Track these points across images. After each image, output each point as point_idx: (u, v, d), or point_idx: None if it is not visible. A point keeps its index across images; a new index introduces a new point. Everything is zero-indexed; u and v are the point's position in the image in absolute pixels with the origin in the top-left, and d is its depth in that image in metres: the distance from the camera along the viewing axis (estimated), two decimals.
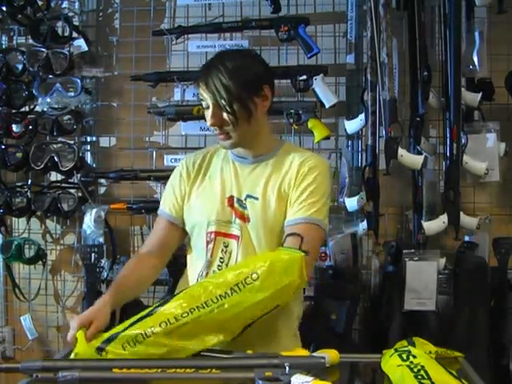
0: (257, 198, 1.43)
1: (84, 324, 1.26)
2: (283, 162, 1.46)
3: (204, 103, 1.41)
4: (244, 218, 1.43)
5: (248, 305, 1.23)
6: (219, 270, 1.42)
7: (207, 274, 1.43)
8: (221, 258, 1.43)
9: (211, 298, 1.22)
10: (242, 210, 1.44)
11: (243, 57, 1.46)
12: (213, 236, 1.44)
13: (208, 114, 1.40)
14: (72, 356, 1.20)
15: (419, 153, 2.02)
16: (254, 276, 1.23)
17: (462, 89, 2.00)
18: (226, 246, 1.44)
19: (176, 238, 1.53)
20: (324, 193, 1.43)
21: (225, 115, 1.38)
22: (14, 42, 2.41)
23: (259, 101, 1.41)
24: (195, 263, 1.49)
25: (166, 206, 1.53)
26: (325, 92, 2.08)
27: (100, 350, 1.19)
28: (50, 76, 2.27)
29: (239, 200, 1.45)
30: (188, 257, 1.55)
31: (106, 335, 1.22)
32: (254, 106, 1.40)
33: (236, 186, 1.46)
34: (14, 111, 2.33)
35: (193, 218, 1.49)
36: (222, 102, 1.36)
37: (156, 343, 1.20)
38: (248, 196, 1.44)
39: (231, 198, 1.45)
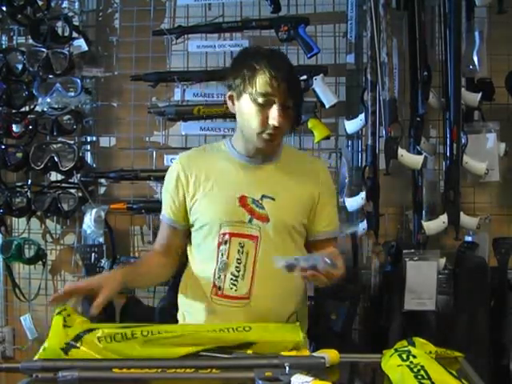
0: (273, 199, 1.44)
1: (94, 286, 1.25)
2: (291, 165, 1.50)
3: (264, 99, 1.35)
4: (263, 218, 1.43)
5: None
6: (237, 271, 1.42)
7: (225, 276, 1.42)
8: (238, 259, 1.42)
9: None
10: (259, 210, 1.43)
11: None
12: (227, 237, 1.43)
13: (273, 111, 1.35)
14: (40, 350, 1.20)
15: (419, 153, 2.02)
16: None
17: (462, 89, 2.00)
18: (243, 247, 1.43)
19: (180, 240, 1.53)
20: (336, 198, 1.60)
21: (289, 115, 1.38)
22: (14, 42, 2.41)
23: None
24: (205, 265, 1.47)
25: (166, 210, 1.52)
26: (325, 92, 2.08)
27: (71, 345, 1.19)
28: (50, 76, 2.27)
29: (255, 200, 1.43)
30: (191, 257, 1.53)
31: (85, 327, 1.22)
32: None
33: (247, 186, 1.45)
34: (14, 111, 2.33)
35: (201, 219, 1.47)
36: (295, 101, 1.37)
37: (132, 346, 1.20)
38: (264, 196, 1.44)
39: (243, 197, 1.44)
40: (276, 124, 1.35)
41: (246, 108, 1.39)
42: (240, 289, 1.41)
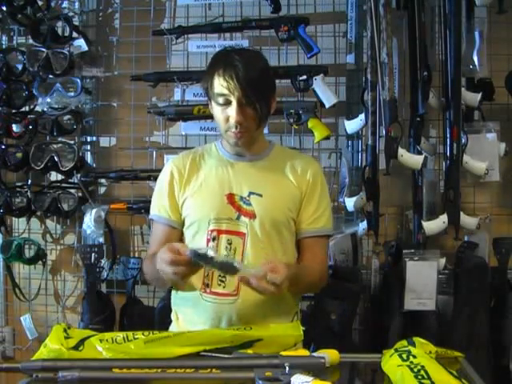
0: (260, 195, 1.46)
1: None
2: (281, 162, 1.52)
3: (222, 99, 1.40)
4: (250, 215, 1.44)
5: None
6: None
7: (213, 273, 1.42)
8: (226, 255, 1.43)
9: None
10: (246, 207, 1.45)
11: (263, 58, 1.49)
12: (215, 234, 1.44)
13: (231, 110, 1.39)
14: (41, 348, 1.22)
15: (419, 153, 2.02)
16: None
17: (462, 89, 1.99)
18: (230, 244, 1.44)
19: (179, 240, 1.52)
20: (328, 197, 1.56)
21: (250, 113, 1.40)
22: (14, 42, 2.41)
23: (272, 102, 1.48)
24: None
25: (163, 211, 1.51)
26: (325, 92, 2.08)
27: (73, 349, 1.20)
28: (50, 76, 2.26)
29: (242, 197, 1.46)
30: None
31: (86, 334, 1.24)
32: (271, 107, 1.47)
33: (235, 183, 1.47)
34: (14, 111, 2.33)
35: (190, 216, 1.48)
36: (254, 99, 1.38)
37: (134, 348, 1.20)
38: (251, 193, 1.46)
39: (231, 195, 1.46)
40: (234, 122, 1.39)
41: (213, 109, 1.46)
42: (228, 286, 1.41)
